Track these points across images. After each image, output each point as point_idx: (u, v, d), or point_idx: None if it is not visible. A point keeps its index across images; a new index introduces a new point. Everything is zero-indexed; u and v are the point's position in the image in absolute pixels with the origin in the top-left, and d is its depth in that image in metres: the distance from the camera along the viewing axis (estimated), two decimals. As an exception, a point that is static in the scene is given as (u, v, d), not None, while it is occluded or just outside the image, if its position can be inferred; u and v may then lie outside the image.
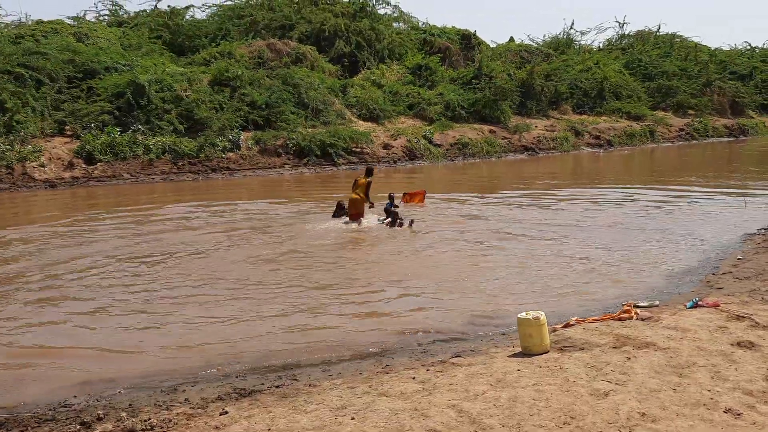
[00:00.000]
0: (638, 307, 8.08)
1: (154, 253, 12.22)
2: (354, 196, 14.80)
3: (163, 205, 18.23)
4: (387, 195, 15.38)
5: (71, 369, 7.07)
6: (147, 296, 9.60)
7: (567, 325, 7.53)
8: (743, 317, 7.35)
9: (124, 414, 5.73)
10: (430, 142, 30.92)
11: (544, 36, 51.46)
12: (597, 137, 37.07)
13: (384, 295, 9.64)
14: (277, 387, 6.26)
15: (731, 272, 10.10)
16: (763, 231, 13.24)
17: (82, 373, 6.93)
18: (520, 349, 6.66)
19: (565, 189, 20.76)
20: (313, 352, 7.36)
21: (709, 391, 5.48)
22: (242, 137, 26.49)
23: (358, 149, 28.45)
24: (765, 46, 55.69)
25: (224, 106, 27.26)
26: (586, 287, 9.74)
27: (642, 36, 53.42)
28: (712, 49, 53.45)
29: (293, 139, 27.01)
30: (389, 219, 14.49)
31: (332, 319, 8.52)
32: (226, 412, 5.56)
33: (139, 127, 24.96)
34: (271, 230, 14.31)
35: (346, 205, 15.07)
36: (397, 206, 15.20)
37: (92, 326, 8.40)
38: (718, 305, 7.85)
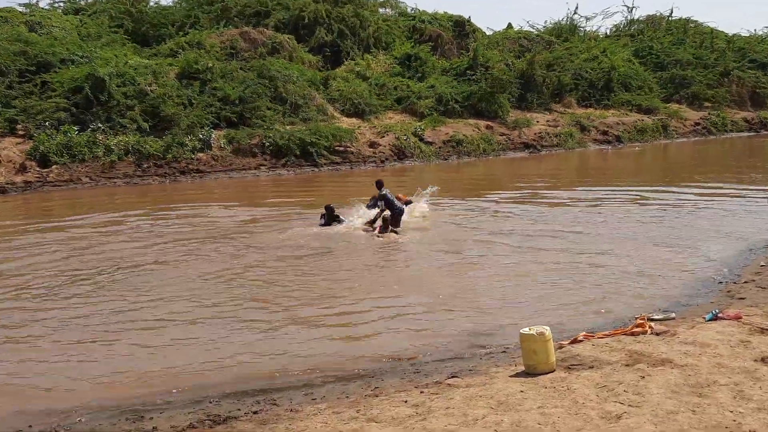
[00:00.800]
0: (652, 320, 8.10)
1: (110, 268, 12.08)
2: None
3: (125, 212, 18.08)
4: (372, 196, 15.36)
5: (26, 397, 7.01)
6: (101, 317, 9.44)
7: (574, 341, 7.54)
8: None
9: (84, 446, 5.70)
10: (421, 139, 30.94)
11: (546, 22, 51.43)
12: (605, 133, 37.23)
13: (372, 310, 9.60)
14: (255, 413, 6.24)
15: (754, 280, 10.16)
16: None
17: (38, 401, 6.87)
18: (523, 368, 6.67)
19: (569, 190, 20.85)
20: (295, 374, 7.34)
21: (731, 412, 5.50)
22: (214, 136, 26.41)
23: (341, 148, 28.42)
24: (787, 32, 56.11)
25: (193, 101, 27.14)
26: (595, 299, 9.77)
27: (653, 21, 53.65)
28: (730, 35, 53.69)
29: (270, 137, 26.96)
30: (380, 224, 14.47)
31: (316, 336, 8.50)
32: (199, 443, 5.54)
33: (99, 125, 24.80)
34: (246, 239, 14.24)
35: (336, 211, 15.16)
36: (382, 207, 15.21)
37: (46, 351, 8.33)
38: (740, 317, 7.89)
